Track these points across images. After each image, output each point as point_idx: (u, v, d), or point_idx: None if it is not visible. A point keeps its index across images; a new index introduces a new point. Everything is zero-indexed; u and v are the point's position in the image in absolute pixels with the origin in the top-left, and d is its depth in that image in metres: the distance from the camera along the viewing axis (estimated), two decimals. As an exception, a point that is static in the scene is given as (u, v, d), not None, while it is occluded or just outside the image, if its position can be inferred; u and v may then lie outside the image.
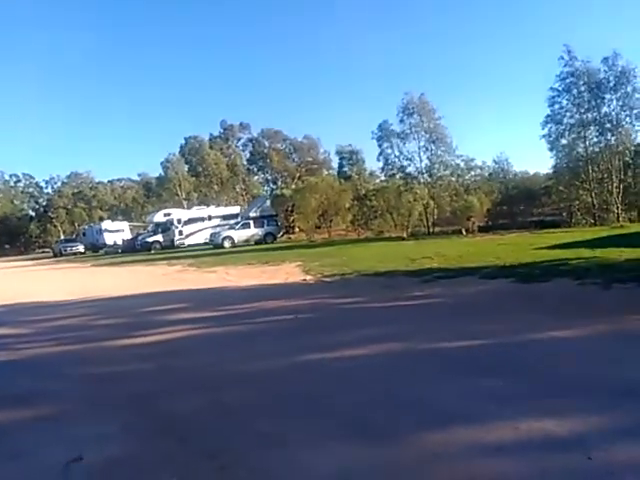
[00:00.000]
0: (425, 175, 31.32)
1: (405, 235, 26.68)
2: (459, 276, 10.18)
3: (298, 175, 66.11)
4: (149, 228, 39.67)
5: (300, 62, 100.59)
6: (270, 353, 5.48)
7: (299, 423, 3.48)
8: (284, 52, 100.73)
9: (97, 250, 44.21)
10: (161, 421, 3.75)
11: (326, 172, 63.03)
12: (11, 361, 6.22)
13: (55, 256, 44.94)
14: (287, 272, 13.71)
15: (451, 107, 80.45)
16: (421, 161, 31.31)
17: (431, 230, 31.32)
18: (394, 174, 32.37)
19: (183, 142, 65.41)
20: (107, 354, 6.15)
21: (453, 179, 32.09)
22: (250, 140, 71.77)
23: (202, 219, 36.69)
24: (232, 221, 34.47)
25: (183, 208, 45.03)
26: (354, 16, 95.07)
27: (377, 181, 43.54)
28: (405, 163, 31.47)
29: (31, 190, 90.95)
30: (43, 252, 59.41)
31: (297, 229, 37.81)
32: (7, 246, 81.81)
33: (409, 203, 32.65)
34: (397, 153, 31.44)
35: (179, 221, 36.49)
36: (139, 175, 75.43)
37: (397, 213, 35.65)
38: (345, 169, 52.53)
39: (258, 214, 33.44)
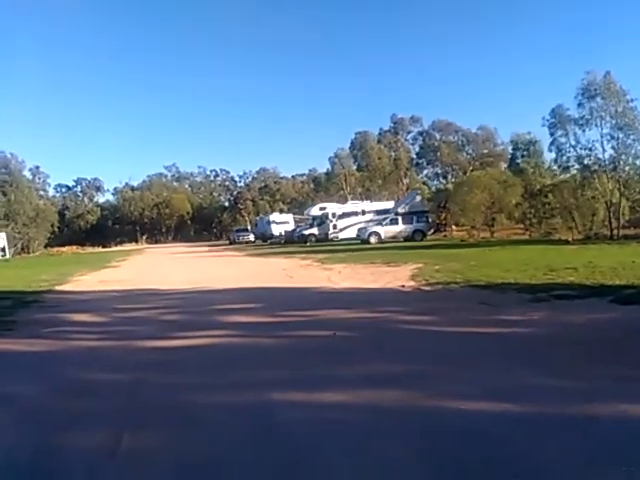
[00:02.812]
0: (609, 168, 26.10)
1: (571, 239, 22.59)
2: (586, 296, 7.90)
3: (471, 169, 62.01)
4: (308, 221, 40.98)
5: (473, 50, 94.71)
6: (253, 383, 4.47)
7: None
8: (460, 48, 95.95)
9: (266, 240, 47.37)
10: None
11: (505, 165, 58.00)
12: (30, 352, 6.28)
13: (230, 243, 49.48)
14: (396, 276, 12.41)
15: None
16: (604, 151, 26.23)
17: (615, 233, 26.05)
18: (568, 166, 27.80)
19: (353, 137, 66.40)
20: (122, 356, 5.83)
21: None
22: (420, 133, 69.58)
23: (356, 213, 36.48)
24: (386, 216, 33.49)
25: (348, 202, 45.35)
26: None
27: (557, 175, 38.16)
28: (583, 153, 26.67)
29: (227, 184, 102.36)
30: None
31: (454, 227, 35.17)
32: (205, 232, 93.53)
33: (588, 201, 27.76)
34: (573, 142, 26.84)
35: (333, 215, 36.84)
36: (310, 170, 78.95)
37: (578, 212, 30.73)
38: (518, 161, 47.26)
39: (407, 210, 31.86)
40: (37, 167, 75.55)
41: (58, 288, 13.98)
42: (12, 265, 31.32)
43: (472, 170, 58.79)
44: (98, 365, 5.37)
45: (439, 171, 69.51)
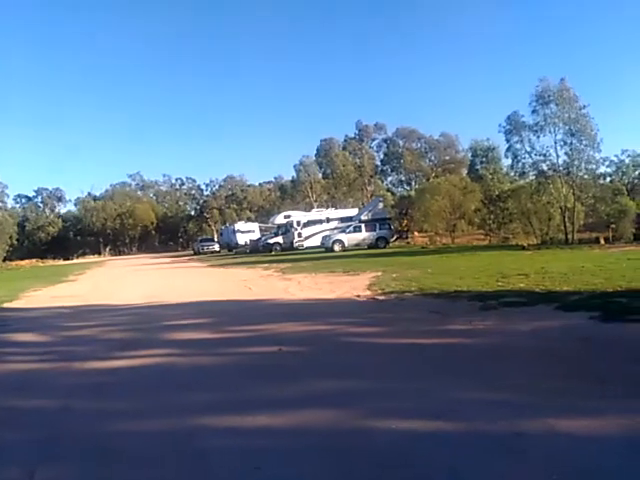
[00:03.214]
0: (563, 173, 26.90)
1: (527, 244, 23.12)
2: (534, 303, 8.05)
3: (434, 175, 63.09)
4: (273, 230, 40.67)
5: (437, 57, 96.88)
6: (184, 408, 4.29)
7: None
8: (422, 53, 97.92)
9: (231, 249, 46.74)
10: None
11: (466, 172, 59.18)
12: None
13: (195, 254, 48.67)
14: (353, 285, 12.39)
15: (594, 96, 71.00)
16: (558, 157, 27.04)
17: (570, 238, 26.81)
18: (524, 172, 28.54)
19: (319, 144, 66.61)
20: (56, 380, 5.56)
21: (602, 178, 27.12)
22: (385, 140, 70.60)
23: (321, 221, 36.42)
24: (349, 224, 33.57)
25: (312, 210, 45.23)
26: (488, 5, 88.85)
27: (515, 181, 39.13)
28: (538, 159, 27.41)
29: (193, 192, 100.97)
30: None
31: (416, 233, 35.58)
32: (171, 243, 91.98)
33: (544, 206, 28.57)
34: (528, 148, 27.57)
35: (298, 223, 36.67)
36: (275, 178, 78.80)
37: (535, 218, 31.55)
38: (478, 167, 48.30)
39: (370, 217, 32.03)
40: (-6, 177, 72.75)
41: (6, 305, 13.42)
42: (-38, 281, 29.94)
43: (435, 177, 59.77)
44: (27, 390, 5.12)
45: (403, 178, 70.58)
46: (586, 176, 27.29)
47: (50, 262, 66.83)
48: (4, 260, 66.46)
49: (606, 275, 10.59)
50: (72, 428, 3.96)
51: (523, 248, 21.44)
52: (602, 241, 22.76)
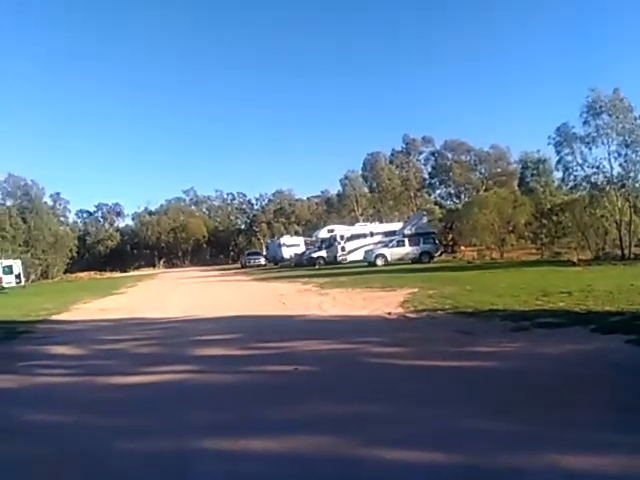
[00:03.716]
0: (617, 185, 25.53)
1: (577, 259, 21.98)
2: (570, 325, 7.62)
3: (484, 188, 61.52)
4: (317, 244, 40.83)
5: (486, 69, 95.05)
6: (189, 428, 4.30)
7: None
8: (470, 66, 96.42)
9: (277, 263, 47.31)
10: None
11: (517, 184, 57.37)
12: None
13: (242, 267, 49.53)
14: (387, 301, 12.18)
15: None
16: (612, 169, 25.70)
17: (626, 253, 25.30)
18: (576, 185, 27.30)
19: (365, 158, 66.53)
20: (77, 394, 5.73)
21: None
22: (433, 153, 69.62)
23: (364, 235, 36.24)
24: (392, 238, 33.19)
25: (356, 224, 45.08)
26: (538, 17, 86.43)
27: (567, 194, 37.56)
28: (590, 172, 26.17)
29: (244, 207, 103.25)
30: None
31: (463, 247, 34.67)
32: (221, 256, 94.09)
33: (598, 220, 27.16)
34: (580, 160, 26.36)
35: (342, 237, 36.65)
36: (322, 192, 79.23)
37: (590, 232, 30.04)
38: (528, 180, 46.67)
39: (413, 231, 31.51)
40: (58, 193, 77.26)
41: (54, 317, 14.10)
42: (23, 292, 31.77)
43: (485, 189, 58.25)
44: (46, 405, 5.31)
45: (452, 191, 69.17)
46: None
47: (107, 274, 70.01)
48: (65, 272, 70.10)
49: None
50: (74, 444, 4.06)
51: (573, 264, 20.43)
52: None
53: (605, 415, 3.95)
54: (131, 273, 72.55)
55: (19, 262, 39.82)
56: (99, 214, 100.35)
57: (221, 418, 4.50)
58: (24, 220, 62.76)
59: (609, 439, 3.48)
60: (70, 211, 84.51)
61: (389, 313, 10.42)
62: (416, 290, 14.25)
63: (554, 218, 36.41)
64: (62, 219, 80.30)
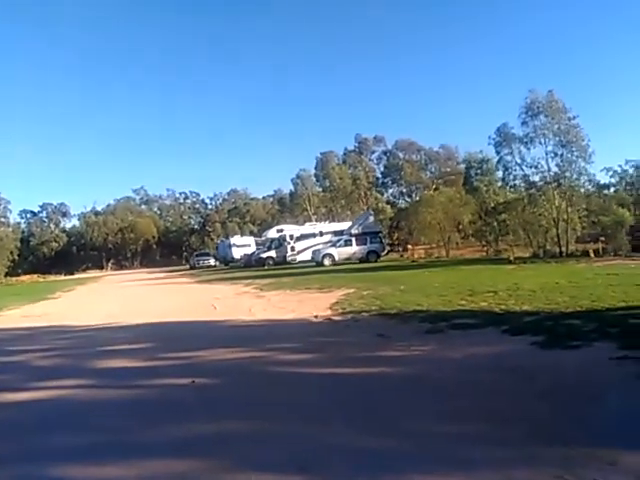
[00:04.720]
0: (554, 184, 26.37)
1: (512, 258, 22.53)
2: (484, 325, 7.63)
3: (434, 187, 62.59)
4: (266, 244, 40.34)
5: (438, 64, 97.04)
6: (50, 451, 3.94)
7: None
8: (417, 63, 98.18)
9: (227, 264, 46.49)
10: None
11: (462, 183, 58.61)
12: None
13: (191, 268, 48.43)
14: (318, 304, 11.97)
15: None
16: (549, 169, 26.52)
17: (564, 251, 26.14)
18: (515, 184, 28.08)
19: (318, 157, 66.35)
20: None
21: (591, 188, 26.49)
22: (385, 153, 70.23)
23: (314, 235, 36.03)
24: (340, 238, 33.12)
25: (306, 224, 44.84)
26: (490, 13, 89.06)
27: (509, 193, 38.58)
28: (528, 171, 26.94)
29: (197, 206, 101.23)
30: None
31: (409, 246, 35.07)
32: (174, 257, 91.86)
33: (537, 218, 27.98)
34: (519, 160, 27.11)
35: (291, 237, 36.35)
36: (275, 191, 78.69)
37: (530, 229, 30.93)
38: (472, 179, 47.76)
39: (360, 231, 31.57)
40: (-4, 193, 73.17)
41: (-32, 326, 13.17)
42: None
43: (435, 189, 59.27)
44: None
45: (404, 190, 69.99)
46: (579, 187, 26.73)
47: (51, 277, 66.99)
48: (6, 275, 66.71)
49: (574, 293, 10.13)
50: None
51: (509, 262, 20.90)
52: (592, 254, 22.07)
53: (484, 425, 3.82)
54: (77, 276, 69.77)
55: (-52, 266, 37.40)
56: (44, 214, 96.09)
57: (86, 441, 4.11)
58: (-42, 221, 59.28)
59: (479, 454, 3.33)
60: (11, 211, 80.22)
61: (315, 316, 10.21)
62: (352, 291, 14.14)
63: (497, 217, 37.43)
64: (2, 220, 76.28)
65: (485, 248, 38.23)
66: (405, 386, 5.06)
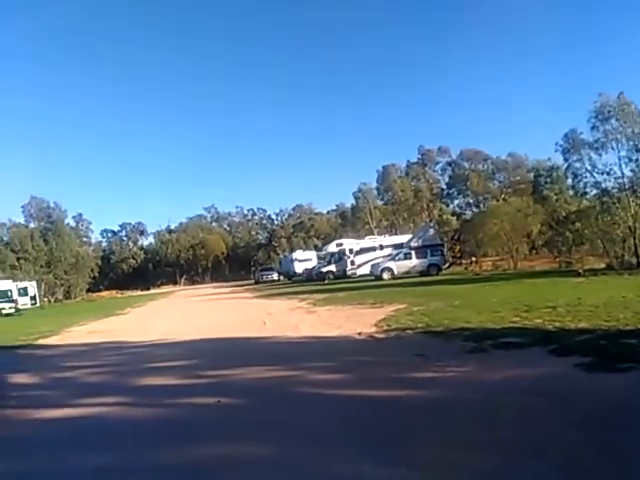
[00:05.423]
0: (629, 191, 24.49)
1: (582, 270, 21.00)
2: (531, 345, 7.12)
3: (503, 197, 60.35)
4: (327, 258, 40.45)
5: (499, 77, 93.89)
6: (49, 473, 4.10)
7: None
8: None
9: (290, 278, 47.07)
10: None
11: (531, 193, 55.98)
12: None
13: (255, 283, 49.47)
14: (365, 320, 11.71)
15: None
16: (623, 175, 24.71)
17: (640, 261, 24.11)
18: (585, 192, 26.36)
19: (380, 170, 66.04)
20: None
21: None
22: (449, 163, 68.81)
23: (374, 249, 35.69)
24: (400, 251, 32.55)
25: (366, 237, 44.50)
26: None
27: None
28: (600, 178, 25.22)
29: (264, 222, 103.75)
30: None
31: (473, 258, 33.78)
32: (242, 271, 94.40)
33: (611, 227, 26.07)
34: (589, 167, 25.44)
35: (350, 251, 36.21)
36: (337, 205, 78.92)
37: (606, 239, 28.88)
38: (541, 188, 45.42)
39: (420, 244, 30.84)
40: (80, 214, 78.71)
41: (40, 342, 14.09)
42: (36, 314, 32.32)
43: (504, 198, 57.05)
44: None
45: (471, 200, 68.04)
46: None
47: (128, 293, 70.93)
48: (88, 291, 71.45)
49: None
50: None
51: (578, 274, 19.55)
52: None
53: (500, 459, 3.49)
54: (152, 291, 73.40)
55: (34, 284, 40.61)
56: (123, 233, 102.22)
57: (96, 462, 4.18)
58: (46, 242, 64.21)
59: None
60: (92, 231, 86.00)
61: (359, 333, 10.00)
62: (403, 306, 13.77)
63: (570, 226, 35.26)
64: (85, 239, 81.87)
65: (557, 259, 36.10)
66: (425, 411, 4.78)
